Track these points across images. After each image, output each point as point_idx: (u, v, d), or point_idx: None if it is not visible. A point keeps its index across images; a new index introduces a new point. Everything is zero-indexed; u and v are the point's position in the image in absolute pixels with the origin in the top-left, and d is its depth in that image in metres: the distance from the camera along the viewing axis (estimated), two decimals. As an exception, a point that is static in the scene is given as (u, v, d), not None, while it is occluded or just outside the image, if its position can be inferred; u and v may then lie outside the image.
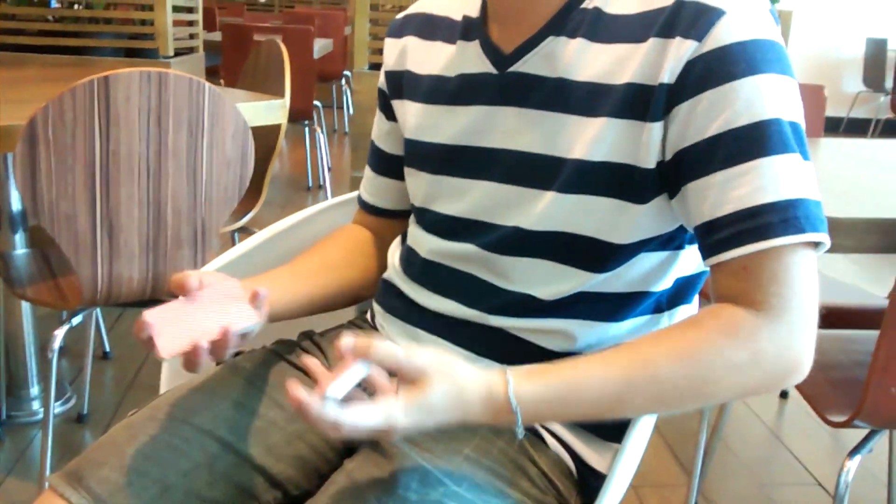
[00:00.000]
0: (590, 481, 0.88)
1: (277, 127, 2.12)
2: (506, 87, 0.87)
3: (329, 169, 4.81)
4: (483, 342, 0.89)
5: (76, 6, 2.89)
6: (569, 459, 0.88)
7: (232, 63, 4.02)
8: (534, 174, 0.84)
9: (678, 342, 0.75)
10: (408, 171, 0.99)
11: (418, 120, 0.95)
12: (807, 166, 0.75)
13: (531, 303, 0.87)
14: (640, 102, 0.78)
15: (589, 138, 0.80)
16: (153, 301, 1.66)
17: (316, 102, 4.32)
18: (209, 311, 0.82)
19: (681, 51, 0.75)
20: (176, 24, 2.92)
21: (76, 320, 1.68)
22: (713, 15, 0.75)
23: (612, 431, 0.89)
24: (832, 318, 1.77)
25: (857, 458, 1.34)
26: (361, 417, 0.68)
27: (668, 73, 0.76)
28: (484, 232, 0.89)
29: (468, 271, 0.91)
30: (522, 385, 0.72)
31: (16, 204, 2.03)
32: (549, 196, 0.83)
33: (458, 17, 0.95)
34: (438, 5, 0.99)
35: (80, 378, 2.25)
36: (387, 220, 1.10)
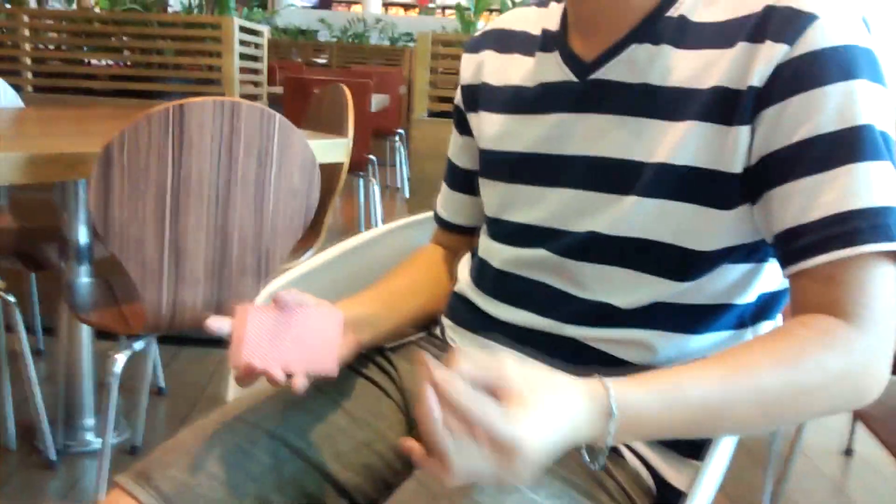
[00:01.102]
0: (669, 498, 0.85)
1: (339, 167, 2.15)
2: (586, 93, 0.87)
3: (382, 222, 4.87)
4: (558, 353, 0.87)
5: (148, 53, 3.00)
6: (647, 475, 0.85)
7: (293, 114, 4.07)
8: (612, 179, 0.84)
9: (777, 350, 0.71)
10: (483, 181, 0.99)
11: (494, 130, 0.96)
12: (893, 173, 0.74)
13: (607, 311, 0.85)
14: (728, 106, 0.77)
15: (673, 142, 0.80)
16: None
17: (371, 157, 4.38)
18: (301, 338, 0.82)
19: (771, 54, 0.75)
20: (241, 71, 3.00)
21: (138, 345, 1.70)
22: (806, 19, 0.74)
23: (691, 447, 0.86)
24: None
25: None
26: (495, 422, 0.59)
27: (757, 77, 0.75)
28: (557, 238, 0.88)
29: (541, 280, 0.90)
30: (623, 391, 0.66)
31: (83, 237, 2.08)
32: (629, 200, 0.82)
33: (536, 31, 0.96)
34: (516, 20, 1.00)
35: (134, 412, 2.26)
36: (463, 237, 1.11)
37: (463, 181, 1.08)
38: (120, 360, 1.66)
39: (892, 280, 0.72)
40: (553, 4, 0.97)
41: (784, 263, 0.77)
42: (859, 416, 1.47)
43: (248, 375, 0.79)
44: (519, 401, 0.61)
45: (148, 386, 2.27)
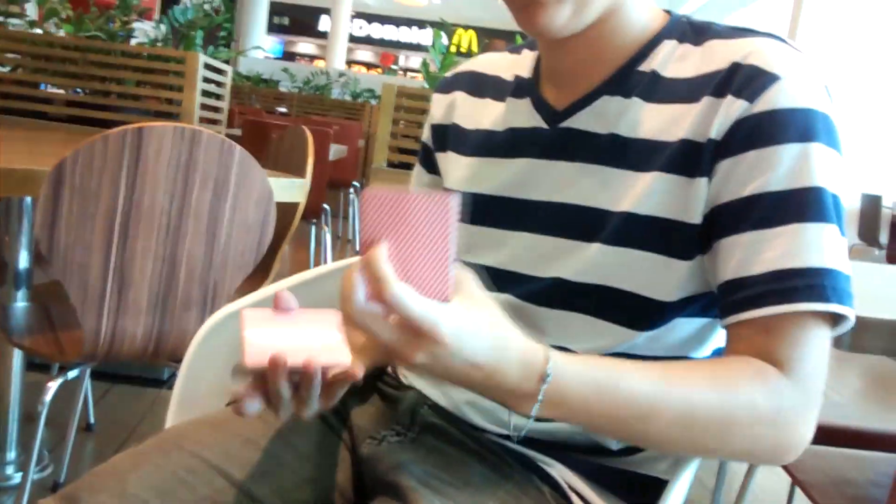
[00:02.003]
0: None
1: (295, 207, 2.13)
2: (555, 141, 0.87)
3: (330, 272, 4.79)
4: None
5: (108, 82, 2.96)
6: (596, 525, 0.83)
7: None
8: (579, 226, 0.84)
9: (715, 374, 0.73)
10: None
11: (462, 172, 0.96)
12: (843, 241, 0.75)
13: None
14: (691, 159, 0.78)
15: (639, 192, 0.80)
16: (153, 360, 1.62)
17: (325, 206, 4.37)
18: (304, 329, 0.73)
19: (731, 109, 0.76)
20: (202, 107, 2.98)
21: (72, 374, 1.63)
22: (769, 79, 0.76)
23: (641, 498, 0.85)
24: (845, 438, 1.73)
25: (878, 577, 1.27)
26: (415, 299, 0.61)
27: (716, 130, 0.77)
28: (522, 283, 0.87)
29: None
30: (563, 360, 0.68)
31: (23, 261, 2.01)
32: (594, 248, 0.82)
33: (508, 76, 0.97)
34: (489, 65, 1.01)
35: (60, 447, 2.17)
36: None
37: None
38: (52, 388, 1.59)
39: (824, 342, 0.74)
40: (526, 51, 0.98)
41: (723, 313, 0.77)
42: (801, 485, 1.47)
43: (266, 376, 0.69)
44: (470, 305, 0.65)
45: (77, 420, 2.18)
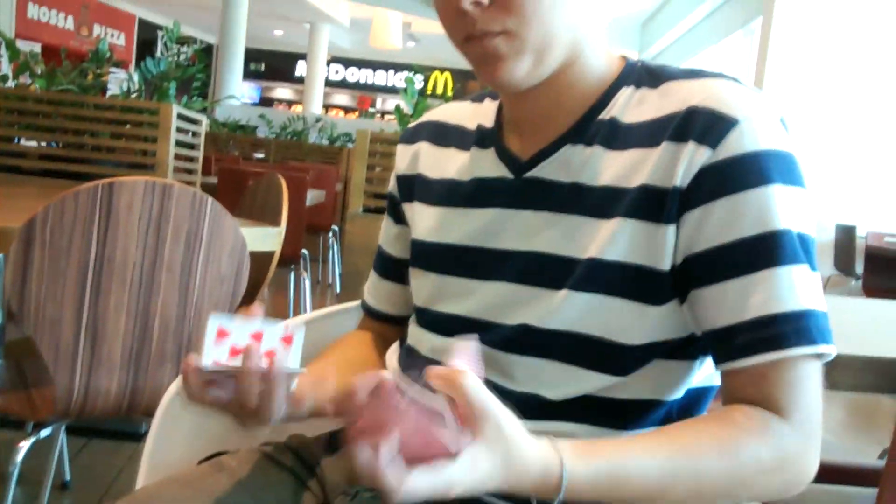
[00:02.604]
0: None
1: (270, 256, 2.13)
2: (521, 191, 0.88)
3: (310, 317, 4.77)
4: None
5: (82, 135, 2.97)
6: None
7: (227, 204, 4.04)
8: (547, 274, 0.84)
9: (718, 438, 0.75)
10: (413, 271, 0.99)
11: (429, 222, 0.96)
12: (815, 277, 0.77)
13: (536, 403, 0.84)
14: (655, 205, 0.79)
15: (603, 238, 0.81)
16: (128, 416, 1.60)
17: (303, 251, 4.37)
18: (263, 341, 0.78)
19: (695, 157, 0.77)
20: (176, 158, 2.99)
21: (45, 433, 1.61)
22: (728, 124, 0.77)
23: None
24: (826, 474, 1.73)
25: None
26: (421, 485, 0.62)
27: (680, 177, 0.78)
28: (489, 330, 0.88)
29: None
30: (575, 466, 0.69)
31: (-5, 317, 1.99)
32: (561, 294, 0.83)
33: (471, 126, 0.98)
34: (451, 114, 1.02)
35: (34, 506, 2.13)
36: (392, 326, 1.08)
37: (394, 270, 1.07)
38: (23, 448, 1.57)
39: (816, 377, 0.76)
40: (487, 101, 0.99)
41: (718, 360, 0.80)
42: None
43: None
44: (478, 446, 0.65)
45: (51, 478, 2.14)
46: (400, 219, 1.05)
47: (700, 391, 0.89)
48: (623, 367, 0.83)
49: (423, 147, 1.02)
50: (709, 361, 0.88)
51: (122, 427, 2.74)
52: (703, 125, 0.78)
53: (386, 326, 1.09)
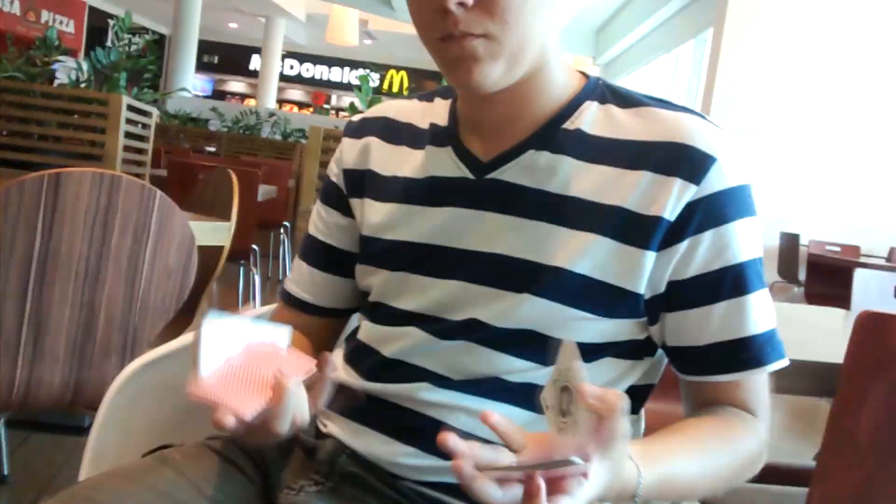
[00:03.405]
0: None
1: (219, 250, 2.11)
2: (482, 191, 0.89)
3: (259, 313, 4.72)
4: (431, 433, 0.87)
5: (28, 123, 2.91)
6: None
7: (176, 197, 4.00)
8: (508, 276, 0.86)
9: (724, 436, 0.85)
10: (363, 268, 0.99)
11: (381, 219, 0.96)
12: (770, 298, 0.87)
13: (489, 385, 0.86)
14: (631, 228, 0.83)
15: (573, 250, 0.84)
16: (72, 409, 1.58)
17: (254, 247, 4.33)
18: (261, 359, 0.74)
19: (682, 192, 0.83)
20: (125, 149, 2.94)
21: (-17, 425, 1.58)
22: (708, 161, 0.83)
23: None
24: (763, 474, 1.79)
25: None
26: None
27: (668, 210, 0.82)
28: (437, 323, 0.89)
29: (420, 364, 0.90)
30: (646, 472, 0.74)
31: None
32: (521, 297, 0.85)
33: (423, 124, 0.98)
34: (400, 111, 1.02)
35: (-29, 501, 2.08)
36: (321, 319, 1.07)
37: (331, 261, 1.05)
38: (-39, 440, 1.54)
39: (767, 379, 0.90)
40: (438, 100, 1.00)
41: (690, 371, 0.89)
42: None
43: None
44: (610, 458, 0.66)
45: (-11, 472, 2.10)
46: (346, 212, 1.04)
47: (640, 388, 0.92)
48: None
49: (373, 143, 1.01)
50: (653, 362, 0.91)
51: (65, 421, 2.69)
52: (689, 162, 0.83)
53: (312, 319, 1.07)
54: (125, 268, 1.53)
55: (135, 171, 3.22)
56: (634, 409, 0.93)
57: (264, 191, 4.52)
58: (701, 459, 0.82)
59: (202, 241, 1.82)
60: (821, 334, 1.94)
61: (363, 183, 1.00)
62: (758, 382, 0.88)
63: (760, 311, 0.86)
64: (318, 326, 1.07)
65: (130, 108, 3.01)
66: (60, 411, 2.00)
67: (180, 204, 1.64)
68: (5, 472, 2.31)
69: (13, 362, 1.47)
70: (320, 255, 1.06)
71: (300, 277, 1.07)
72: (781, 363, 0.87)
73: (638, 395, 0.92)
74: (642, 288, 0.84)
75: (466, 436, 0.85)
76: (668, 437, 0.83)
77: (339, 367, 1.00)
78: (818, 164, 6.89)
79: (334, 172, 1.06)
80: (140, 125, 3.19)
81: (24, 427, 2.61)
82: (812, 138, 6.78)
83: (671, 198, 0.82)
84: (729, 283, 0.84)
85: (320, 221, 1.06)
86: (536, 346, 0.85)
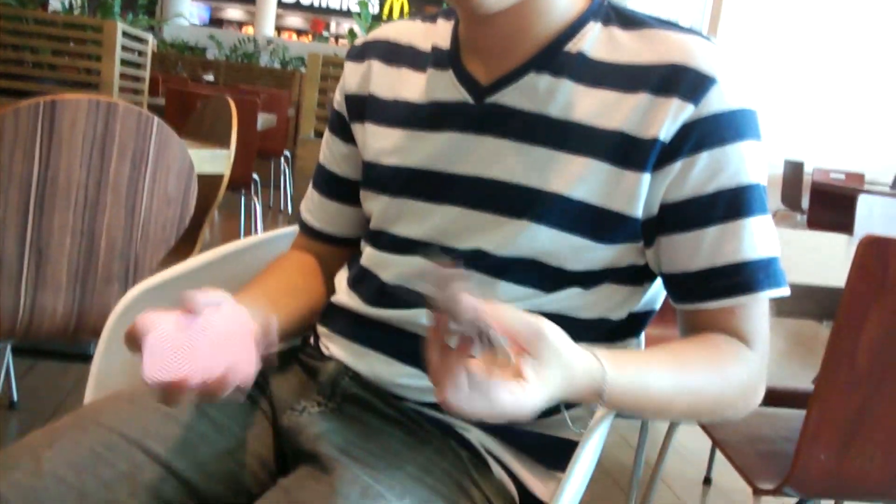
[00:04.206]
0: (532, 509, 0.86)
1: (219, 179, 2.10)
2: (482, 116, 0.88)
3: (261, 243, 4.73)
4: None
5: (21, 50, 2.86)
6: (512, 487, 0.86)
7: (174, 126, 3.99)
8: (506, 201, 0.85)
9: (710, 359, 0.83)
10: (365, 193, 0.98)
11: (382, 143, 0.95)
12: (773, 225, 0.84)
13: None
14: (627, 151, 0.82)
15: (571, 175, 0.83)
16: (75, 336, 1.59)
17: (255, 176, 4.31)
18: (216, 343, 0.72)
19: (678, 112, 0.80)
20: (122, 77, 2.90)
21: (-11, 352, 1.59)
22: (708, 82, 0.81)
23: (556, 460, 0.88)
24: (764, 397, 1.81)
25: (786, 527, 1.34)
26: (475, 404, 0.65)
27: (663, 131, 0.80)
28: (441, 252, 0.89)
29: (422, 290, 0.90)
30: (614, 375, 0.74)
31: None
32: (520, 224, 0.84)
33: (424, 46, 0.96)
34: (402, 33, 1.00)
35: (-19, 426, 2.12)
36: (335, 248, 1.08)
37: (341, 189, 1.05)
38: (-32, 367, 1.55)
39: (767, 311, 0.86)
40: (441, 21, 0.97)
41: (683, 299, 0.87)
42: (717, 444, 1.53)
43: (169, 395, 0.71)
44: (535, 367, 0.67)
45: (-2, 399, 2.13)
46: (349, 138, 1.03)
47: (641, 314, 0.92)
48: (570, 288, 0.85)
49: (375, 66, 1.00)
50: (653, 287, 0.91)
51: (71, 348, 2.72)
52: (687, 82, 0.81)
53: (326, 247, 1.08)
54: (124, 195, 1.52)
55: (132, 100, 3.18)
56: (635, 334, 0.94)
57: (264, 119, 4.48)
58: (679, 375, 0.81)
59: (201, 169, 1.80)
60: (822, 259, 1.95)
61: (364, 107, 0.99)
62: (753, 311, 0.85)
63: (758, 238, 0.83)
64: (331, 254, 1.07)
65: (126, 34, 2.95)
66: (66, 339, 2.01)
67: (178, 132, 1.62)
68: (14, 399, 2.34)
69: (16, 291, 1.47)
70: (329, 184, 1.07)
71: (314, 206, 1.09)
72: (778, 292, 0.84)
73: (638, 321, 0.93)
74: (639, 212, 0.83)
75: None
76: (646, 351, 0.84)
77: (341, 290, 1.00)
78: (823, 91, 6.81)
79: (337, 100, 1.06)
80: (136, 52, 3.14)
81: (30, 355, 2.65)
82: (817, 66, 6.68)
83: (667, 118, 0.80)
84: (722, 206, 0.82)
85: (328, 150, 1.07)
86: (536, 274, 0.85)
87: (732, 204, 0.82)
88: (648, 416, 0.85)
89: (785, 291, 0.85)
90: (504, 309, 0.67)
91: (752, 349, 0.85)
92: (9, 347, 2.18)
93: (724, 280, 0.83)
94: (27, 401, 2.37)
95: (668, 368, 0.80)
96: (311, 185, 1.10)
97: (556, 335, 0.69)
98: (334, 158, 1.05)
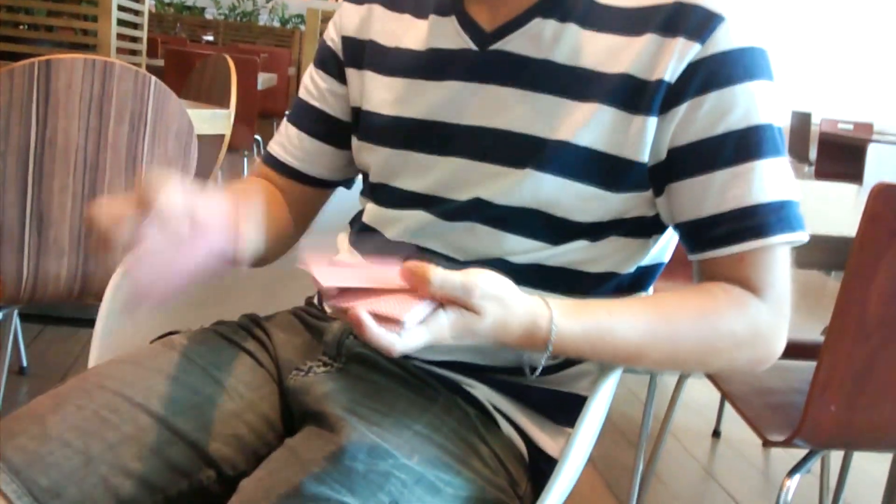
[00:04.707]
0: (541, 465, 0.85)
1: (220, 140, 2.08)
2: (486, 64, 0.85)
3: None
4: None
5: (16, 12, 2.82)
6: (520, 443, 0.85)
7: (174, 88, 3.95)
8: (510, 151, 0.83)
9: (698, 308, 0.79)
10: (362, 145, 0.96)
11: (384, 94, 0.92)
12: (789, 168, 0.80)
13: (493, 266, 0.85)
14: (634, 95, 0.79)
15: (577, 122, 0.80)
16: (80, 301, 1.58)
17: (256, 137, 4.28)
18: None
19: (684, 51, 0.77)
20: (119, 38, 2.86)
21: (-5, 318, 1.59)
22: (715, 20, 0.78)
23: (565, 415, 0.87)
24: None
25: (797, 477, 1.34)
26: (413, 340, 0.66)
27: (668, 72, 0.78)
28: (441, 204, 0.87)
29: (426, 246, 0.88)
30: (562, 322, 0.73)
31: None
32: (523, 173, 0.82)
33: None
34: None
35: (-8, 392, 2.13)
36: (305, 188, 1.03)
37: (325, 128, 1.01)
38: (-26, 332, 1.55)
39: (787, 262, 0.81)
40: None
41: (695, 248, 0.82)
42: (726, 396, 1.53)
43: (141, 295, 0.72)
44: (465, 309, 0.68)
45: (7, 364, 2.13)
46: (341, 79, 0.99)
47: (650, 267, 0.91)
48: (574, 240, 0.84)
49: (376, 11, 0.96)
50: (662, 240, 0.89)
51: (78, 313, 2.73)
52: (693, 21, 0.78)
53: (296, 186, 1.03)
54: (124, 157, 1.50)
55: (130, 61, 3.14)
56: (643, 288, 0.92)
57: (264, 79, 4.44)
58: (654, 324, 0.78)
59: (201, 130, 1.78)
60: (831, 208, 1.93)
61: (363, 54, 0.96)
62: (765, 258, 0.79)
63: (769, 180, 0.79)
64: (299, 194, 1.03)
65: (122, -6, 2.91)
66: (73, 304, 2.01)
67: (178, 93, 1.60)
68: (24, 364, 2.35)
69: (19, 256, 1.46)
70: (312, 122, 1.02)
71: (288, 141, 1.03)
72: (794, 237, 0.79)
73: (647, 274, 0.91)
74: (645, 157, 0.80)
75: None
76: (619, 300, 0.80)
77: (343, 250, 0.99)
78: (829, 41, 6.71)
79: (331, 37, 1.01)
80: (133, 13, 3.09)
81: (38, 320, 2.65)
82: (822, 15, 6.58)
83: (673, 58, 0.78)
84: (731, 148, 0.78)
85: (313, 86, 1.02)
86: (541, 225, 0.83)
87: (741, 146, 0.78)
88: (615, 364, 0.83)
89: (802, 237, 0.80)
90: (439, 275, 0.67)
91: (763, 299, 0.79)
92: (16, 313, 2.18)
93: (733, 225, 0.79)
94: (37, 366, 2.38)
95: (641, 317, 0.78)
96: (285, 121, 1.05)
97: (491, 282, 0.69)
98: (321, 95, 1.01)
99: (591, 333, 0.75)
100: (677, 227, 0.84)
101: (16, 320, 2.22)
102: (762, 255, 0.79)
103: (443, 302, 0.68)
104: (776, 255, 0.80)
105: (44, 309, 2.68)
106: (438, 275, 0.66)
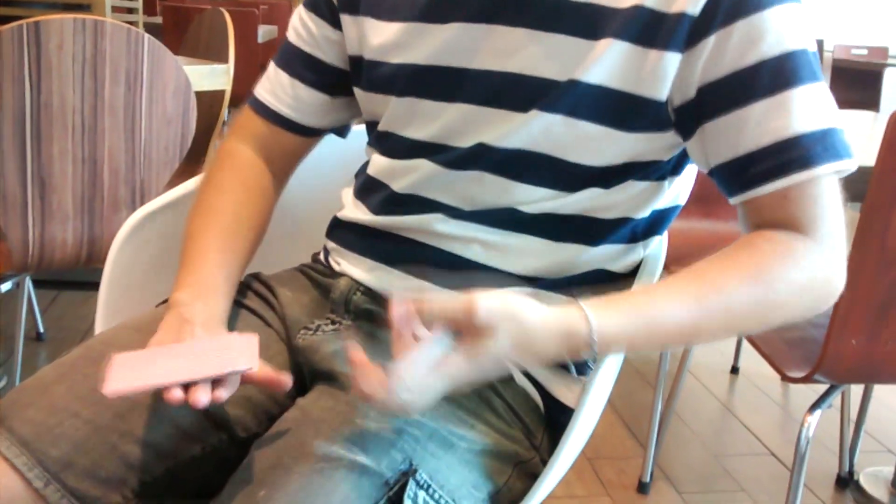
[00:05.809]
0: (557, 416, 0.84)
1: (221, 95, 2.04)
2: (492, 3, 0.81)
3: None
4: (445, 262, 0.85)
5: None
6: (535, 393, 0.84)
7: (173, 45, 3.89)
8: (519, 95, 0.80)
9: (745, 267, 0.73)
10: (365, 94, 0.92)
11: (383, 40, 0.88)
12: (829, 94, 0.75)
13: (505, 217, 0.83)
14: (651, 28, 0.75)
15: (588, 59, 0.76)
16: (88, 265, 1.57)
17: (260, 90, 4.22)
18: (188, 356, 0.75)
19: None
20: (114, -4, 2.81)
21: (5, 287, 1.59)
22: None
23: (580, 364, 0.85)
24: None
25: (818, 413, 1.33)
26: (427, 395, 0.65)
27: (690, 3, 0.73)
28: (445, 153, 0.84)
29: (434, 198, 0.86)
30: (600, 317, 0.68)
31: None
32: (529, 115, 0.79)
33: None
34: None
35: (10, 359, 2.14)
36: (293, 136, 0.99)
37: (318, 76, 0.96)
38: (-15, 302, 1.55)
39: (837, 192, 0.75)
40: None
41: (735, 190, 0.77)
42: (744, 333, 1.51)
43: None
44: (477, 338, 0.64)
45: (23, 331, 2.14)
46: (336, 24, 0.94)
47: (665, 211, 0.88)
48: (586, 186, 0.81)
49: None
50: (676, 182, 0.86)
51: (92, 277, 2.72)
52: None
53: (285, 135, 0.99)
54: (122, 118, 1.47)
55: (127, 20, 3.09)
56: (659, 231, 0.89)
57: (264, 31, 4.37)
58: (701, 298, 0.72)
59: (200, 86, 1.74)
60: (848, 138, 1.87)
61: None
62: (812, 191, 0.73)
63: (809, 108, 0.73)
64: (287, 143, 1.00)
65: (113, -50, 2.84)
66: (84, 269, 2.01)
67: (176, 50, 1.56)
68: (41, 330, 2.36)
69: (24, 223, 1.45)
70: (305, 69, 0.97)
71: (279, 88, 0.98)
72: (842, 164, 0.73)
73: (662, 218, 0.88)
74: (664, 94, 0.76)
75: (481, 268, 0.84)
76: (654, 285, 0.77)
77: (348, 204, 0.96)
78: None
79: None
80: (126, -31, 3.03)
81: (52, 286, 2.66)
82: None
83: None
84: (766, 78, 0.73)
85: (304, 31, 0.97)
86: (550, 172, 0.80)
87: (777, 74, 0.73)
88: (677, 347, 0.77)
89: (849, 165, 0.74)
90: (437, 301, 0.65)
91: (814, 238, 0.74)
92: (28, 280, 2.18)
93: (775, 160, 0.73)
94: (53, 331, 2.39)
95: (687, 294, 0.72)
96: (273, 66, 0.99)
97: (492, 297, 0.65)
98: (314, 41, 0.96)
99: (635, 321, 0.70)
100: (714, 170, 0.79)
101: (29, 287, 2.22)
102: (809, 189, 0.73)
103: (449, 329, 0.65)
104: (823, 187, 0.74)
105: (57, 274, 2.68)
106: (435, 304, 0.64)
